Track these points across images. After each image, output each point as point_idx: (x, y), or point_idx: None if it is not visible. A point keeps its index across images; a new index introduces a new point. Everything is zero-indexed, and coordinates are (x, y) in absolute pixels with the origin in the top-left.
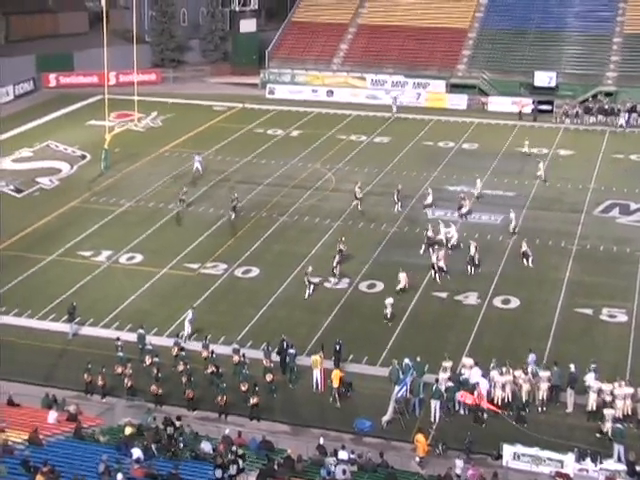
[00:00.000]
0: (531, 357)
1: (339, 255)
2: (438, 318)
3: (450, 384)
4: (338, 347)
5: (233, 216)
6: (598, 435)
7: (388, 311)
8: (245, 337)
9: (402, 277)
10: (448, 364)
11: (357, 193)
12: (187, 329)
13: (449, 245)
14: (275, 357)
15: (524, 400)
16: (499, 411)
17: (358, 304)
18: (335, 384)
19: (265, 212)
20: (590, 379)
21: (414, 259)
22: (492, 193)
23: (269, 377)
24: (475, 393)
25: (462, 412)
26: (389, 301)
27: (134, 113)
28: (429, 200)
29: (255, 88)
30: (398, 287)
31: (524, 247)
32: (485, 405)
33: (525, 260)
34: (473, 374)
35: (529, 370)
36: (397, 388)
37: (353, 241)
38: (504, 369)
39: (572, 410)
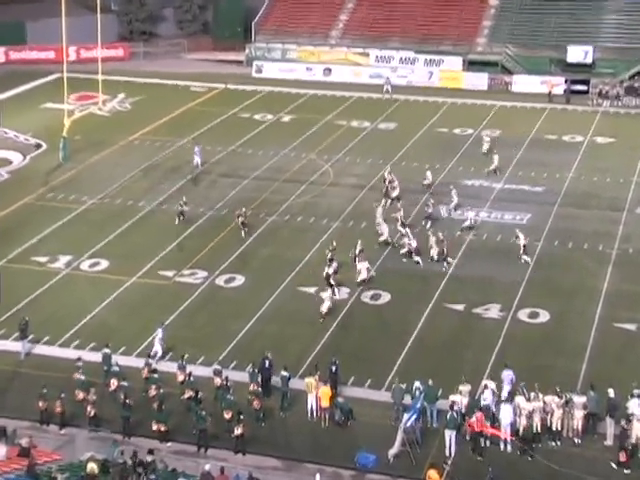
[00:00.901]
0: (506, 375)
1: (330, 266)
2: (454, 334)
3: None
4: (334, 368)
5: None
6: None
7: (325, 306)
8: (228, 356)
9: (362, 267)
10: (466, 388)
11: (390, 183)
12: (158, 349)
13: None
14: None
15: (555, 429)
16: (505, 436)
17: (360, 318)
18: (324, 403)
19: (252, 211)
20: (634, 406)
21: (426, 265)
22: (516, 188)
23: (256, 403)
24: (473, 417)
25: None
26: (326, 295)
27: (98, 95)
28: (454, 200)
29: (240, 66)
30: (359, 278)
31: (522, 240)
32: (488, 431)
33: (525, 256)
34: (487, 396)
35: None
36: (406, 416)
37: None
38: (532, 394)
39: (612, 443)
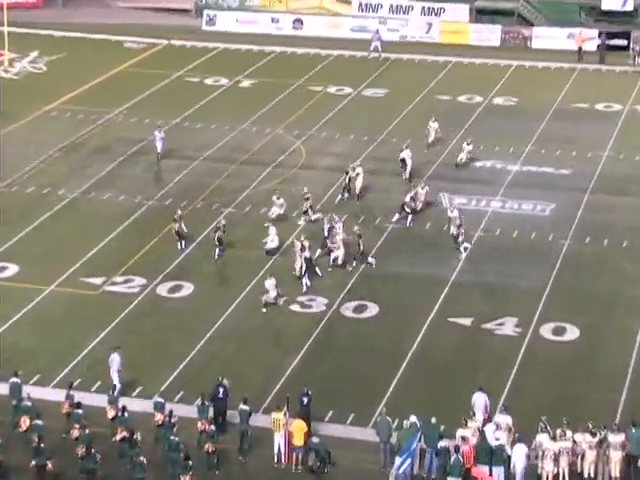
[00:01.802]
0: (478, 399)
1: (302, 259)
2: (459, 356)
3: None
4: (306, 400)
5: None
6: None
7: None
8: (173, 386)
9: (269, 285)
10: (474, 424)
11: (407, 160)
12: (116, 382)
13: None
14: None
15: (587, 475)
16: None
17: (340, 335)
18: (297, 442)
19: (202, 201)
20: None
21: (423, 268)
22: (537, 170)
23: (209, 446)
24: (460, 450)
25: None
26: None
27: (3, 52)
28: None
29: (187, 16)
30: (264, 298)
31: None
32: (475, 473)
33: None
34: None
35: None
36: (398, 460)
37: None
38: (558, 431)
39: None
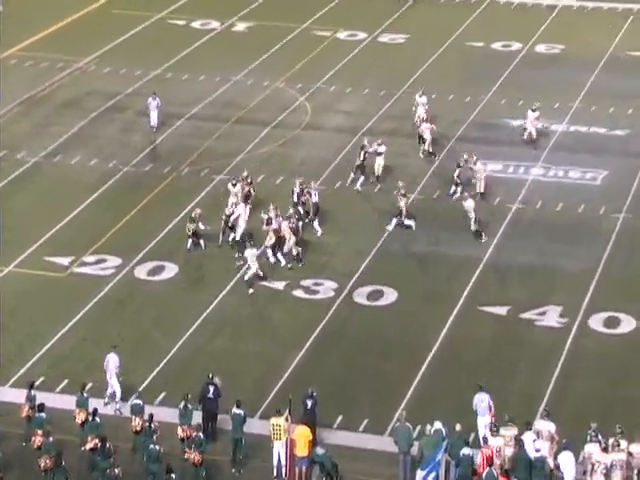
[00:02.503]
0: (479, 400)
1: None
2: (492, 351)
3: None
4: (310, 403)
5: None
6: None
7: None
8: (153, 385)
9: (250, 256)
10: (510, 432)
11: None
12: (115, 387)
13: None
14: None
15: None
16: None
17: (351, 327)
18: (299, 452)
19: (188, 167)
20: None
21: (450, 248)
22: (587, 131)
23: (194, 456)
24: (478, 458)
25: None
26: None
27: None
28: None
29: None
30: (246, 277)
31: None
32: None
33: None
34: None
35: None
36: (421, 474)
37: (343, 220)
38: (611, 441)
39: None
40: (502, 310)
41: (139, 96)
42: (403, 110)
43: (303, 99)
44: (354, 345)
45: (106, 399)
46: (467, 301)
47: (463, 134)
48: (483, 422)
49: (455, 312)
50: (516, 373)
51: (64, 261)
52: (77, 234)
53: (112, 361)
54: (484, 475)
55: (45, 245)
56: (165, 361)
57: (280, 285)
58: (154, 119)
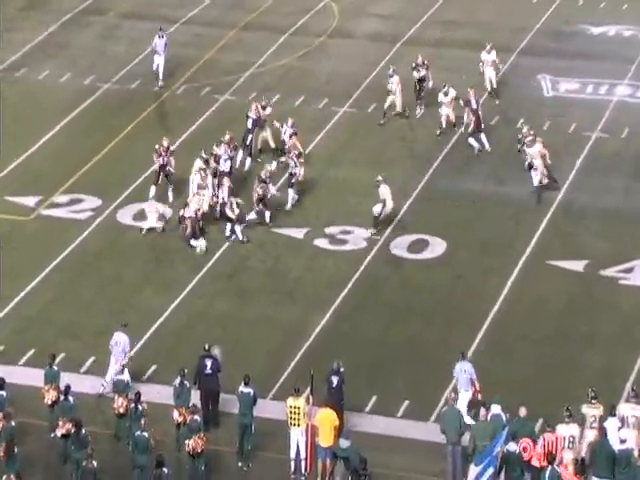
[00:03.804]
0: (459, 371)
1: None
2: (565, 316)
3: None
4: (336, 380)
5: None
6: None
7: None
8: (141, 357)
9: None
10: (593, 411)
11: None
12: (124, 377)
13: None
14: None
15: None
16: None
17: (388, 286)
18: (324, 442)
19: (185, 84)
20: None
21: (511, 186)
22: None
23: (192, 443)
24: (527, 447)
25: None
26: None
27: None
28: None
29: None
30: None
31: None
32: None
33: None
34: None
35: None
36: (474, 470)
37: (378, 152)
38: None
39: None
40: (578, 265)
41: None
42: (456, 13)
43: None
44: (391, 309)
45: (103, 388)
46: (534, 254)
47: (529, 45)
48: (464, 399)
49: (518, 268)
50: (595, 344)
51: (30, 202)
52: (46, 168)
53: (121, 343)
54: (546, 475)
55: (6, 181)
56: (155, 327)
57: (299, 233)
58: (159, 64)
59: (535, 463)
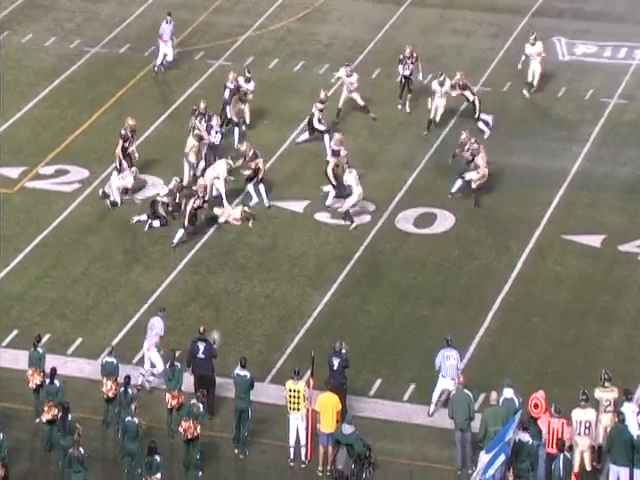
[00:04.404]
0: (445, 358)
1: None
2: (582, 293)
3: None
4: (338, 362)
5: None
6: None
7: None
8: (131, 339)
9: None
10: (608, 394)
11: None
12: (156, 361)
13: None
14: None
15: None
16: None
17: (394, 262)
18: (325, 428)
19: (177, 48)
20: None
21: (525, 155)
22: None
23: (185, 425)
24: (538, 403)
25: None
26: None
27: None
28: None
29: None
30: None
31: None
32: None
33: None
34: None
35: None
36: (485, 457)
37: (382, 122)
38: None
39: None
40: (595, 240)
41: None
42: None
43: None
44: (397, 286)
45: (142, 378)
46: (548, 228)
47: (543, 5)
48: (443, 386)
49: (532, 243)
50: (613, 324)
51: (12, 173)
52: (29, 137)
53: (156, 328)
54: (558, 465)
55: None
56: (146, 307)
57: (299, 206)
58: (168, 52)
59: (543, 428)
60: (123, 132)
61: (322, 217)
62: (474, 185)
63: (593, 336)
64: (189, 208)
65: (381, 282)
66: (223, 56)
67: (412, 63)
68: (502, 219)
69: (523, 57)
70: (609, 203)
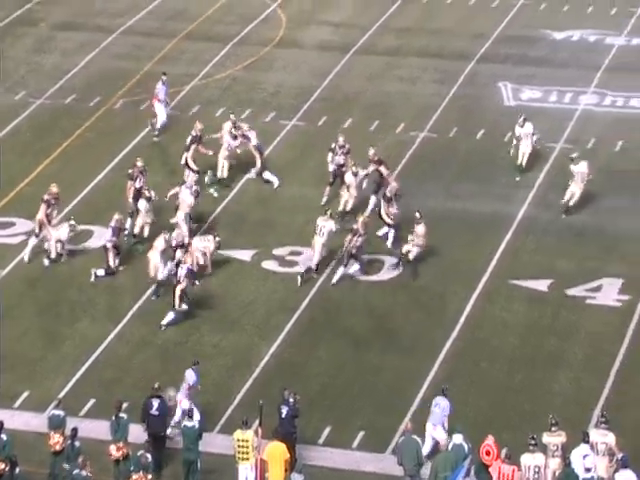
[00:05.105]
0: (434, 404)
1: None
2: (530, 338)
3: None
4: (286, 411)
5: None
6: None
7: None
8: (78, 391)
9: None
10: (555, 439)
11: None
12: (194, 411)
13: None
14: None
15: None
16: None
17: (342, 309)
18: (274, 477)
19: (123, 98)
20: None
21: (471, 201)
22: None
23: (137, 478)
24: (490, 451)
25: None
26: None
27: None
28: None
29: None
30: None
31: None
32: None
33: None
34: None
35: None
36: None
37: (322, 168)
38: None
39: None
40: (542, 285)
41: (56, 5)
42: (410, 20)
43: (275, 6)
44: (346, 334)
45: (172, 430)
46: (495, 273)
47: (488, 52)
48: (430, 431)
49: (479, 288)
50: (560, 368)
51: None
52: None
53: (188, 378)
54: None
55: None
56: (93, 358)
57: (246, 255)
58: (161, 115)
59: (494, 474)
60: (47, 197)
61: (269, 265)
62: (411, 256)
63: (541, 381)
64: (178, 289)
65: (330, 330)
66: (169, 106)
67: (344, 154)
68: (449, 265)
69: (514, 141)
70: (556, 248)
